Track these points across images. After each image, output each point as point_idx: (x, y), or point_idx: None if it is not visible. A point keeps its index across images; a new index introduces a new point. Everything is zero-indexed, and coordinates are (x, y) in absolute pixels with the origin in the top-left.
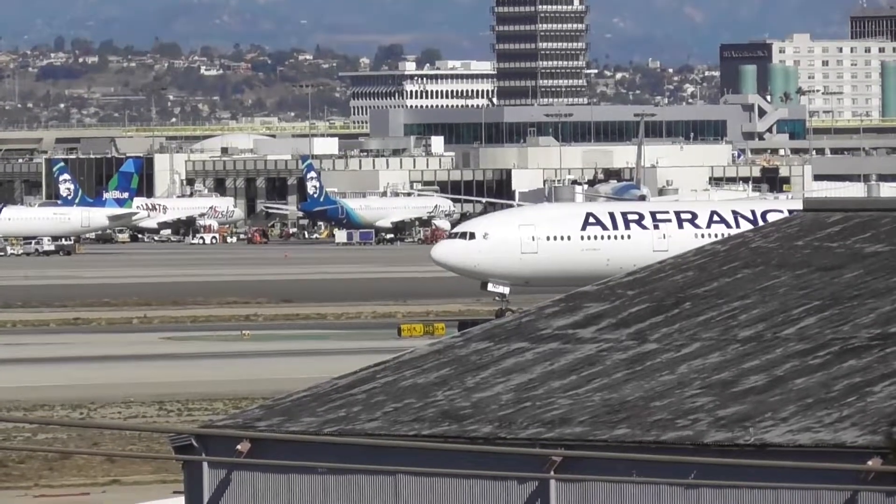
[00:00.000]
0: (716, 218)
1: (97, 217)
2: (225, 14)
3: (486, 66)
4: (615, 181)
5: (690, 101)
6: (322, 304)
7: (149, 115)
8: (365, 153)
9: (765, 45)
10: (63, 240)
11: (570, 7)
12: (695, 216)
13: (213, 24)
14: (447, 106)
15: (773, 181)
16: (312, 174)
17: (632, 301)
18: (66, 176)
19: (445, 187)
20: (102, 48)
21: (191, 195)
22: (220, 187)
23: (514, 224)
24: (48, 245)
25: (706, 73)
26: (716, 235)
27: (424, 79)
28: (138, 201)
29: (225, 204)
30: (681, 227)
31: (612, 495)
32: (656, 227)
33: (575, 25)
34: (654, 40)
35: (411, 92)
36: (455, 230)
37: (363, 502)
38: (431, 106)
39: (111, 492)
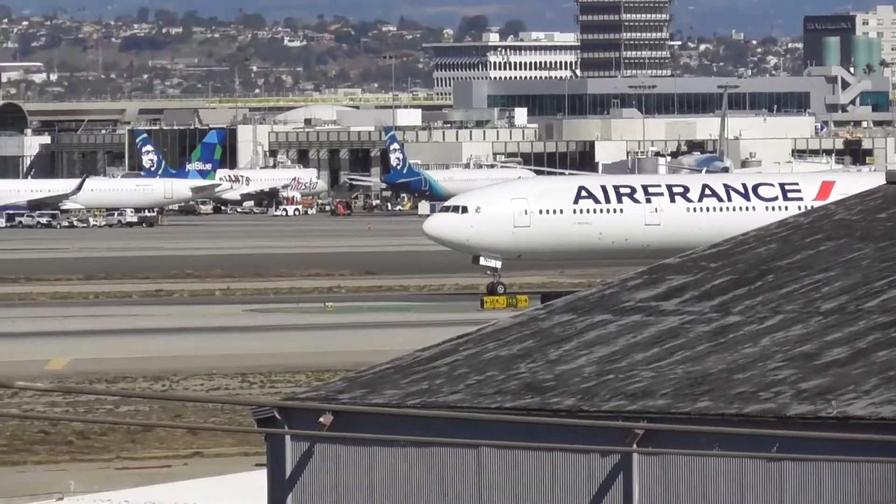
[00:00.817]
0: (707, 192)
1: (180, 188)
2: None
3: (570, 38)
4: (698, 153)
5: (774, 72)
6: (405, 276)
7: (232, 87)
8: (448, 125)
9: (848, 17)
10: (146, 211)
11: None
12: (686, 189)
13: None
14: (531, 77)
15: (855, 153)
16: (395, 146)
17: (714, 273)
18: (149, 147)
19: (528, 159)
20: (186, 19)
21: (274, 166)
22: (303, 159)
23: (507, 198)
24: (131, 216)
25: (789, 45)
26: (707, 209)
27: (508, 50)
28: (221, 173)
29: (308, 175)
30: (673, 200)
31: (693, 468)
32: (648, 200)
33: None
34: (738, 12)
35: (495, 63)
36: (447, 203)
37: (445, 475)
38: (515, 77)
39: (193, 464)
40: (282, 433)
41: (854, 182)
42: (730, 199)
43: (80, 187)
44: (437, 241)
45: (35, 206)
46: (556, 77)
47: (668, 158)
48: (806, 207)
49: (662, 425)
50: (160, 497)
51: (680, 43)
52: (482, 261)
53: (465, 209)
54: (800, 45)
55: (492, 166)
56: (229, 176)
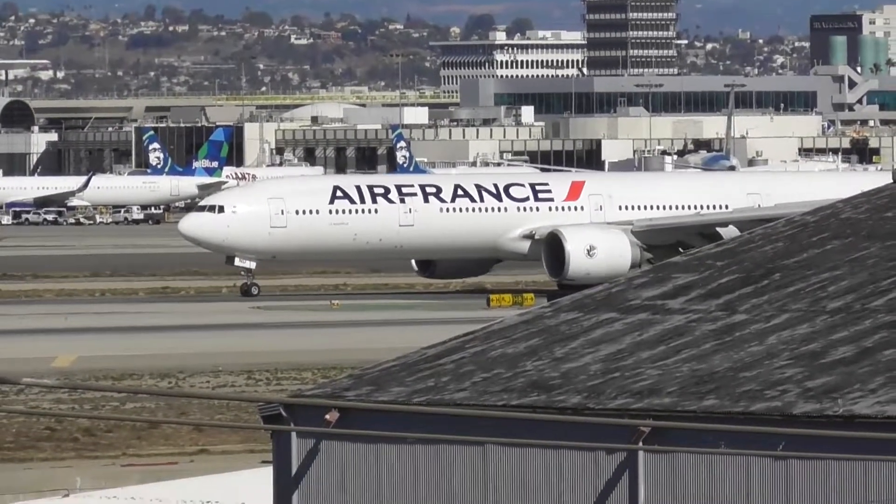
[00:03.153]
0: (460, 192)
1: (187, 186)
2: None
3: (577, 36)
4: (705, 152)
5: (780, 71)
6: (411, 274)
7: (239, 84)
8: (455, 123)
9: (855, 17)
10: (152, 209)
11: None
12: (439, 190)
13: None
14: (537, 76)
15: (862, 152)
16: (402, 144)
17: (721, 272)
18: (156, 145)
19: (535, 157)
20: (193, 17)
21: (280, 164)
22: (309, 157)
23: (263, 197)
24: (137, 214)
25: (796, 44)
26: (460, 209)
27: (515, 48)
28: (228, 170)
29: (315, 173)
30: (426, 200)
31: (700, 466)
32: (402, 200)
33: None
34: (745, 11)
35: (501, 62)
36: (203, 203)
37: (451, 472)
38: (522, 76)
39: (199, 461)
40: (288, 430)
41: (602, 181)
42: (482, 200)
43: (86, 184)
44: (193, 242)
45: (42, 203)
46: (562, 75)
47: (675, 157)
48: (557, 208)
49: (668, 423)
50: (166, 494)
51: (686, 42)
52: (237, 261)
53: (221, 209)
54: (806, 44)
55: (498, 164)
56: (236, 173)
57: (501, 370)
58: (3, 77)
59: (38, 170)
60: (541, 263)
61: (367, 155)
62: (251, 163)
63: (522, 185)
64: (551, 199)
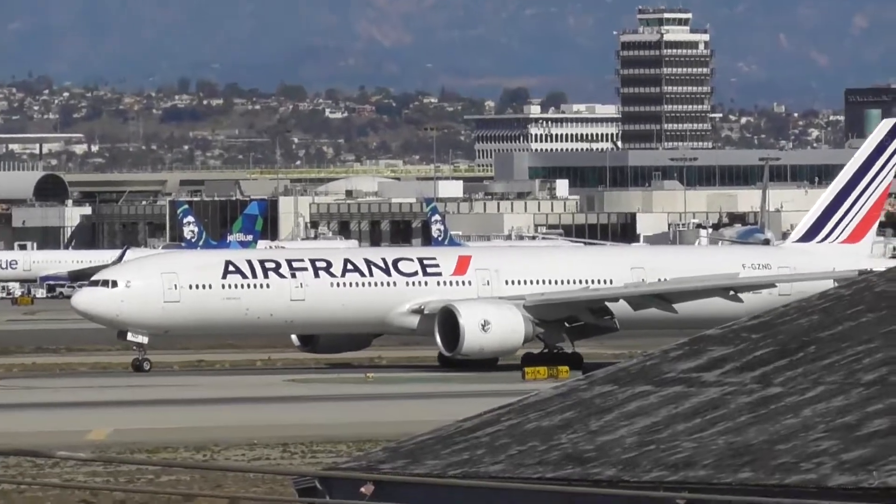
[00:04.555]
0: (349, 266)
1: None
2: (351, 57)
3: (611, 110)
4: (739, 225)
5: (815, 145)
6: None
7: (273, 158)
8: (489, 196)
9: (889, 90)
10: None
11: (695, 51)
12: (329, 265)
13: (338, 67)
14: (572, 149)
15: None
16: (437, 217)
17: (756, 344)
18: (190, 218)
19: (570, 230)
20: (227, 90)
21: (315, 238)
22: (344, 230)
23: (157, 272)
24: None
25: (831, 118)
26: (350, 284)
27: (549, 122)
28: (262, 244)
29: (349, 246)
30: (317, 275)
31: None
32: (293, 275)
33: (700, 70)
34: (779, 84)
35: (536, 135)
36: (95, 278)
37: None
38: (556, 149)
39: None
40: (323, 503)
41: (488, 256)
42: (371, 274)
43: (121, 258)
44: (85, 317)
45: (76, 276)
46: (597, 149)
47: (710, 230)
48: (445, 282)
49: (704, 496)
50: None
51: (721, 115)
52: (129, 336)
53: (115, 283)
54: (841, 118)
55: (533, 237)
56: (270, 247)
57: (536, 443)
58: (38, 151)
59: (73, 243)
60: (430, 338)
61: (401, 228)
62: (286, 236)
63: (411, 260)
64: (440, 274)
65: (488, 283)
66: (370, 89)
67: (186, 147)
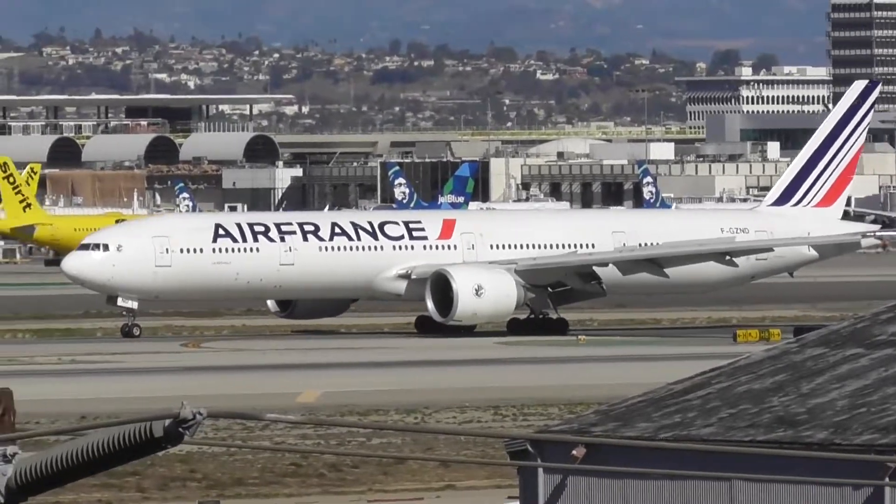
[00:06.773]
0: (337, 230)
1: None
2: (560, 19)
3: (822, 72)
4: None
5: None
6: (657, 309)
7: (484, 119)
8: (701, 158)
9: None
10: None
11: None
12: (317, 228)
13: (548, 29)
14: (783, 111)
15: None
16: (648, 179)
17: None
18: (401, 179)
19: None
20: (438, 52)
21: (526, 199)
22: (555, 192)
23: (148, 236)
24: None
25: None
26: (337, 248)
27: (760, 84)
28: (474, 205)
29: (561, 208)
30: (305, 239)
31: None
32: (282, 239)
33: None
34: None
35: (747, 97)
36: (86, 241)
37: None
38: (767, 111)
39: (445, 497)
40: (535, 466)
41: (472, 220)
42: (358, 238)
43: None
44: (76, 282)
45: None
46: (808, 111)
47: None
48: (431, 246)
49: None
50: None
51: None
52: (119, 301)
53: (106, 247)
54: None
55: (744, 200)
56: (482, 208)
57: (748, 406)
58: (248, 112)
59: (283, 205)
60: (416, 303)
61: (612, 190)
62: (497, 198)
63: (397, 224)
64: (425, 238)
65: (473, 247)
66: (581, 51)
67: (397, 108)
